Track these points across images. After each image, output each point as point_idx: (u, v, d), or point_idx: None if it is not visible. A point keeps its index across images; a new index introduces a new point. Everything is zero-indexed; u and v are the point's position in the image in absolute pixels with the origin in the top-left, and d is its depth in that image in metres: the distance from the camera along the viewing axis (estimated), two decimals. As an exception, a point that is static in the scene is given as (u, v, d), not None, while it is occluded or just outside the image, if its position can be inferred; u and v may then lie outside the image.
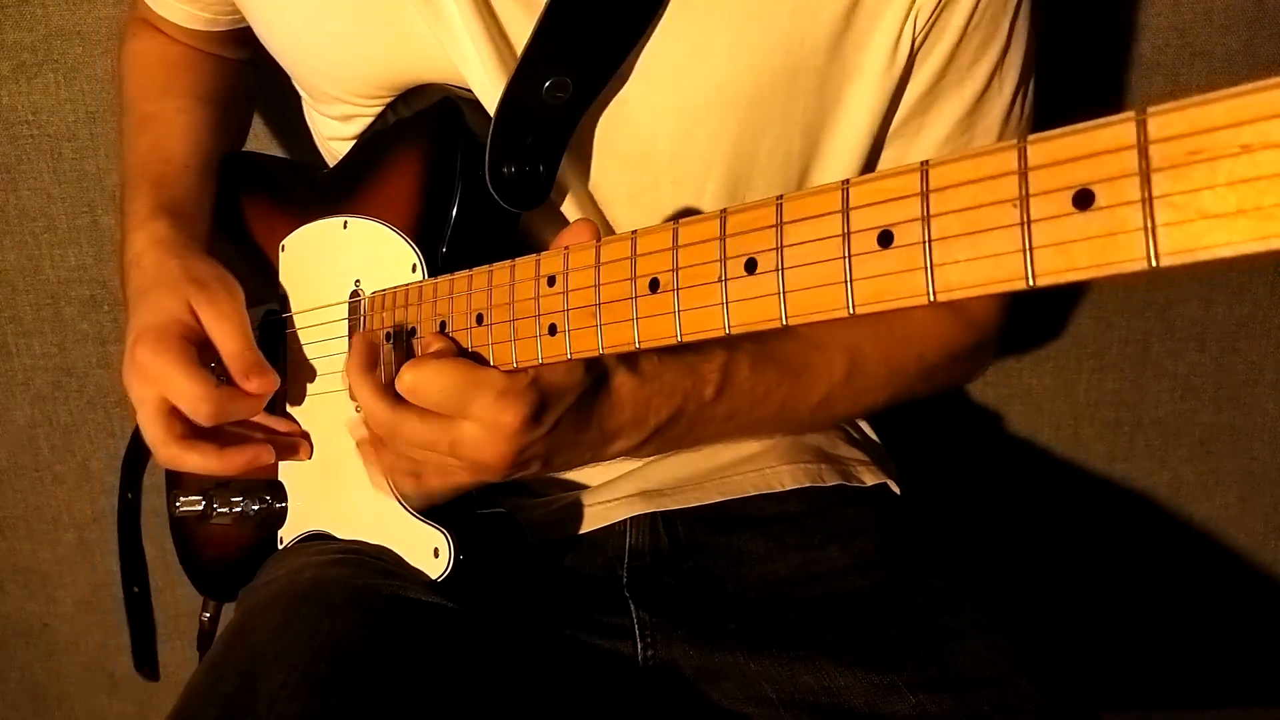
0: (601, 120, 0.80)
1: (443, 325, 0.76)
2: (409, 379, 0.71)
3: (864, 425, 1.07)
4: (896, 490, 1.00)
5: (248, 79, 1.09)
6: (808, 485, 0.95)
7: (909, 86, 0.82)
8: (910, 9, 0.77)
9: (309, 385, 0.93)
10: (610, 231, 0.85)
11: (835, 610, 0.86)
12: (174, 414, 0.84)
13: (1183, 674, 1.56)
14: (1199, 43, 1.25)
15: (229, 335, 0.85)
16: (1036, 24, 0.85)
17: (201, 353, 0.85)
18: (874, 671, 0.80)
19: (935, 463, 1.33)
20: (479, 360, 0.73)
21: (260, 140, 1.30)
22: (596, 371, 0.74)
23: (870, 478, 0.98)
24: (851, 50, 0.79)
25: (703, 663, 0.84)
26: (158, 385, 0.83)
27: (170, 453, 0.84)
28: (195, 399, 0.81)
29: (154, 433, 0.84)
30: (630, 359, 0.76)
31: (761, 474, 0.95)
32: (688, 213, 0.82)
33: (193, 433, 0.85)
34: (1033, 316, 1.37)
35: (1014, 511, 1.48)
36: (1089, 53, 1.25)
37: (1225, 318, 1.38)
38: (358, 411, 0.85)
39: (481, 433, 0.70)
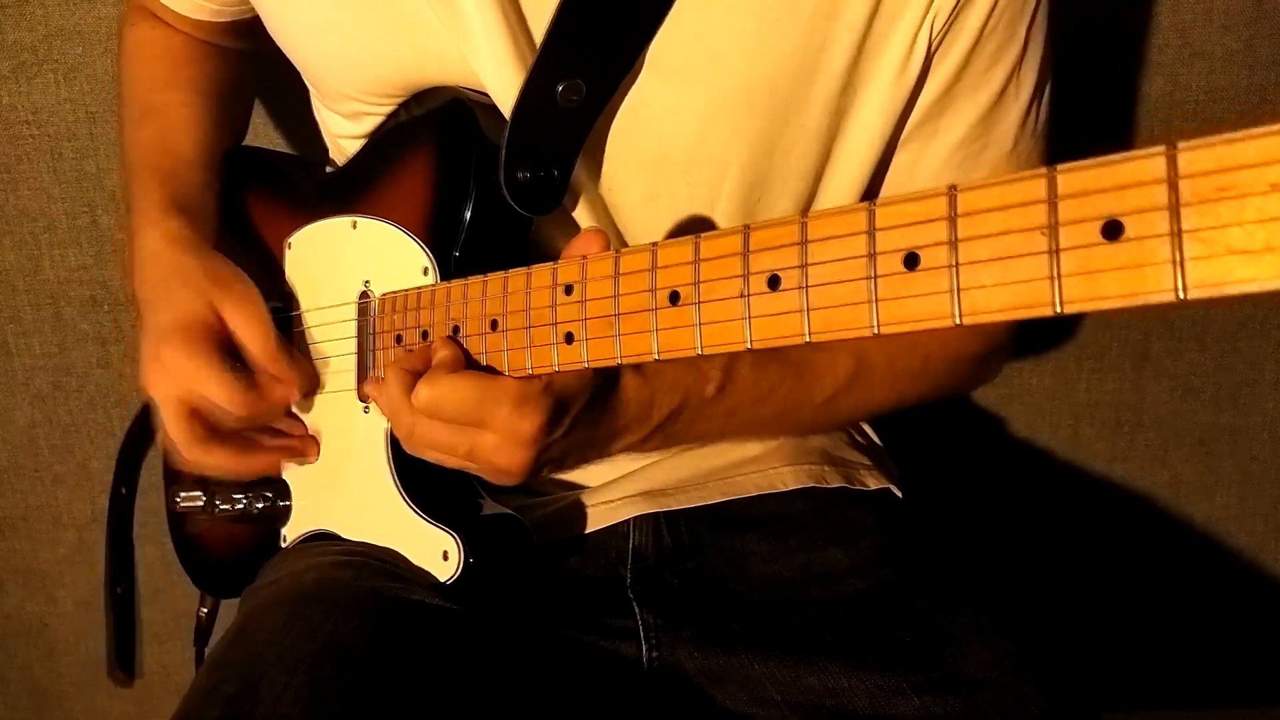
0: (618, 123, 0.80)
1: (456, 329, 0.76)
2: (425, 396, 0.71)
3: (867, 428, 1.07)
4: (898, 495, 1.00)
5: (249, 71, 1.08)
6: (810, 486, 0.95)
7: (925, 89, 0.82)
8: (928, 10, 0.77)
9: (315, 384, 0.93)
10: (624, 235, 0.85)
11: (838, 612, 0.86)
12: (196, 415, 0.84)
13: (1183, 674, 1.56)
14: (1199, 43, 1.26)
15: (257, 336, 0.85)
16: (1051, 32, 0.84)
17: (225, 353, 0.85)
18: (878, 673, 0.80)
19: (935, 462, 1.33)
20: (489, 368, 0.73)
21: (267, 136, 1.30)
22: (605, 373, 0.74)
23: (873, 482, 0.99)
24: (869, 53, 0.78)
25: (707, 664, 0.84)
26: (188, 386, 0.83)
27: (195, 454, 0.85)
28: (230, 399, 0.82)
29: (180, 433, 0.84)
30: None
31: (764, 474, 0.95)
32: (703, 217, 0.83)
33: (214, 434, 0.85)
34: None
35: (1014, 512, 1.48)
36: (1089, 53, 1.25)
37: (1225, 318, 1.39)
38: (365, 412, 0.86)
39: (500, 441, 0.71)
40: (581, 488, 0.94)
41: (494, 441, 0.71)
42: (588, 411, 0.74)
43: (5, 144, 1.32)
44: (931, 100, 0.82)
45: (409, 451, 0.79)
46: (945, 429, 1.42)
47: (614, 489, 0.93)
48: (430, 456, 0.77)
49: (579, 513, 0.93)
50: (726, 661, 0.83)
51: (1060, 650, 1.52)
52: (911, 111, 0.83)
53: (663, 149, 0.81)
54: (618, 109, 0.79)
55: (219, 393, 0.82)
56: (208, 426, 0.85)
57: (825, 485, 0.95)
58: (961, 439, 1.45)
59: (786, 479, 0.95)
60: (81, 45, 1.27)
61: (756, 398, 0.83)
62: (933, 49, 0.79)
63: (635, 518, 0.92)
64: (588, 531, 0.92)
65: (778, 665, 0.82)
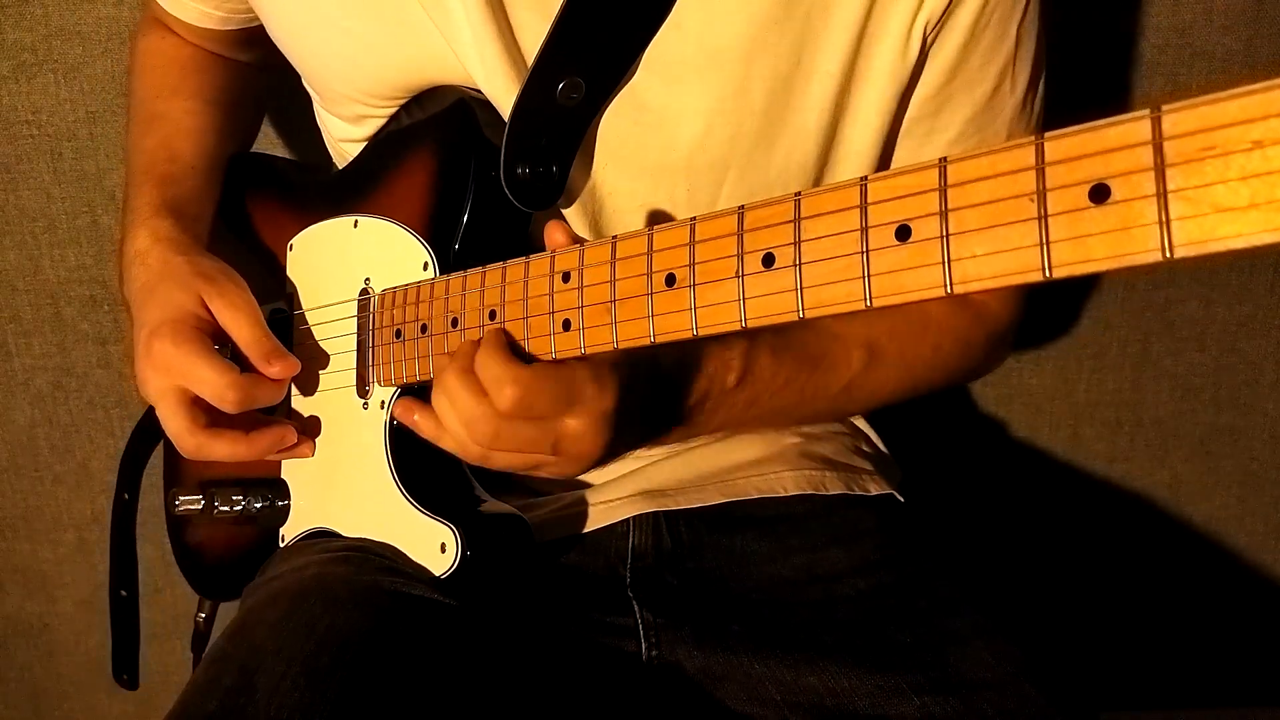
0: (618, 126, 0.81)
1: (454, 322, 0.76)
2: (511, 396, 0.69)
3: (873, 436, 1.07)
4: (900, 500, 1.00)
5: (258, 83, 1.09)
6: (810, 493, 0.95)
7: (920, 86, 0.83)
8: (920, 6, 0.78)
9: (314, 383, 0.93)
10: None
11: (838, 612, 0.86)
12: (196, 404, 0.85)
13: (1183, 674, 1.56)
14: (1199, 43, 1.26)
15: (244, 324, 0.86)
16: (1045, 26, 0.85)
17: (216, 344, 0.86)
18: (878, 673, 0.80)
19: (934, 462, 1.33)
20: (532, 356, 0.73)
21: (268, 142, 1.30)
22: (646, 358, 0.75)
23: (875, 488, 0.98)
24: (864, 52, 0.79)
25: (707, 663, 0.84)
26: (179, 377, 0.84)
27: (196, 442, 0.85)
28: (221, 386, 0.83)
29: (178, 424, 0.85)
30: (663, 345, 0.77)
31: (765, 478, 0.95)
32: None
33: (214, 423, 0.86)
34: (1033, 316, 1.36)
35: (1014, 512, 1.48)
36: (1090, 53, 1.26)
37: (1225, 318, 1.39)
38: (365, 408, 0.86)
39: (584, 426, 0.71)
40: (582, 486, 0.94)
41: (578, 427, 0.71)
42: (650, 389, 0.75)
43: (5, 144, 1.32)
44: (927, 96, 0.83)
45: (480, 463, 0.77)
46: (945, 428, 1.42)
47: (614, 488, 0.93)
48: (511, 461, 0.76)
49: (579, 512, 0.92)
50: (726, 661, 0.83)
51: (1060, 650, 1.52)
52: (907, 108, 0.84)
53: (662, 152, 0.82)
54: (618, 111, 0.80)
55: (209, 380, 0.83)
56: (209, 415, 0.85)
57: (825, 492, 0.95)
58: (962, 439, 1.45)
59: (787, 484, 0.95)
60: (81, 45, 1.27)
61: (775, 388, 0.83)
62: (927, 45, 0.80)
63: (635, 517, 0.92)
64: (587, 530, 0.92)
65: (778, 665, 0.82)
